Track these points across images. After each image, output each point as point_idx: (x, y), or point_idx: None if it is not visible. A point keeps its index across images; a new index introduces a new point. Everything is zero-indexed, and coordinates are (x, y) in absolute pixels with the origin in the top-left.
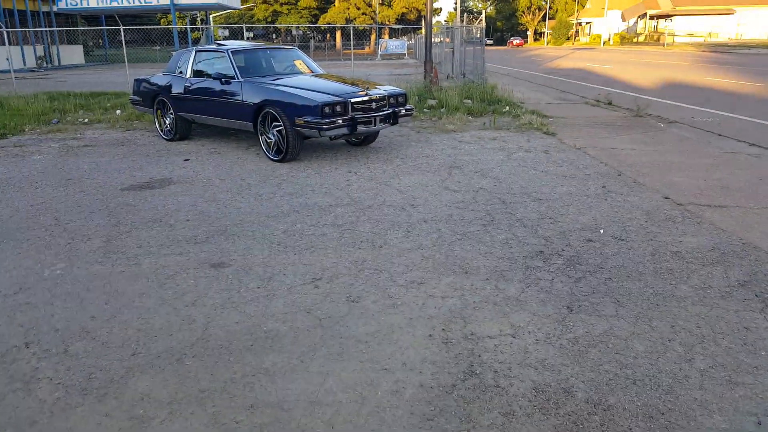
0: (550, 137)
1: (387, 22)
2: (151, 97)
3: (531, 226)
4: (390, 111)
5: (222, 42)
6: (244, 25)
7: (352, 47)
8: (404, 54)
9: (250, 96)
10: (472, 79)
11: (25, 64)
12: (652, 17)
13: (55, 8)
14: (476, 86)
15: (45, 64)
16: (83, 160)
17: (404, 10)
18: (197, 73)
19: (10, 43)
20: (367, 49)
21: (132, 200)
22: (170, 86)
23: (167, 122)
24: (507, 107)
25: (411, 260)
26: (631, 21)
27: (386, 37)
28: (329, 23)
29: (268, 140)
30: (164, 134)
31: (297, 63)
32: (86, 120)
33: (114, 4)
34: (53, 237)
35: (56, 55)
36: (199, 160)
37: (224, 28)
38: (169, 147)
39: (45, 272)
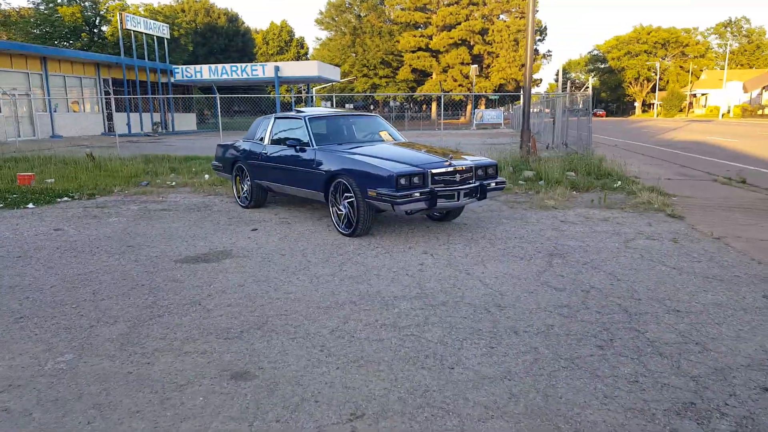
0: (676, 221)
1: (485, 92)
2: (230, 163)
3: (670, 355)
4: (477, 184)
5: (301, 108)
6: (333, 95)
7: (442, 115)
8: (500, 124)
9: (323, 164)
10: (575, 150)
11: (142, 129)
12: None
13: (172, 79)
14: (581, 158)
15: (160, 130)
16: (154, 225)
17: (502, 81)
18: (275, 141)
19: (130, 110)
20: (462, 119)
21: (180, 275)
22: (248, 153)
23: (244, 189)
24: (619, 182)
25: (493, 398)
26: (755, 92)
27: (483, 107)
28: (425, 94)
29: (339, 212)
30: (240, 201)
31: (378, 131)
32: (174, 183)
33: (224, 76)
34: (80, 316)
35: (171, 122)
36: (266, 231)
37: (325, 98)
38: (242, 215)
39: (48, 364)
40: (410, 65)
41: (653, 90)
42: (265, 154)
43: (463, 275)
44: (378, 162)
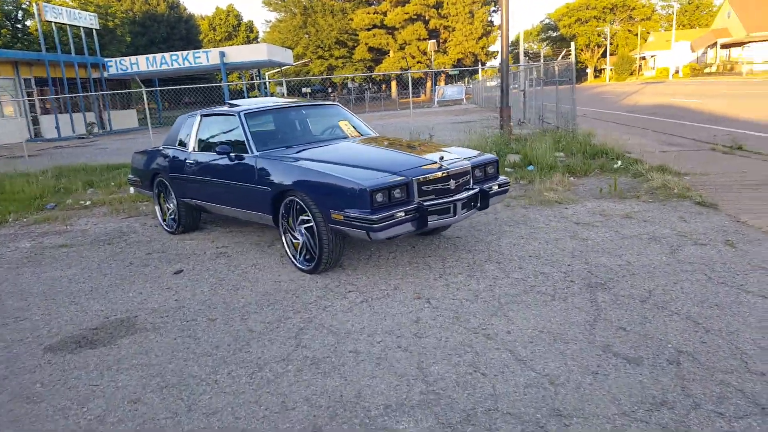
0: (712, 212)
1: (444, 68)
2: (150, 176)
3: None
4: (476, 190)
5: (235, 102)
6: (284, 79)
7: (410, 94)
8: (462, 99)
9: (268, 177)
10: (554, 125)
11: (74, 131)
12: (723, 46)
13: (106, 74)
14: (565, 134)
15: (96, 130)
16: (41, 275)
17: (460, 56)
18: (203, 146)
19: (59, 111)
20: (423, 97)
21: (41, 384)
22: (170, 163)
23: (170, 209)
24: (618, 161)
25: None
26: (700, 52)
27: (442, 83)
28: (384, 72)
29: (294, 240)
30: (166, 225)
31: (339, 123)
32: (88, 202)
33: (164, 66)
34: None
35: (107, 121)
36: (195, 272)
37: (278, 83)
38: (166, 246)
39: None
40: (366, 44)
41: (604, 55)
42: (191, 164)
43: (481, 341)
44: (342, 171)
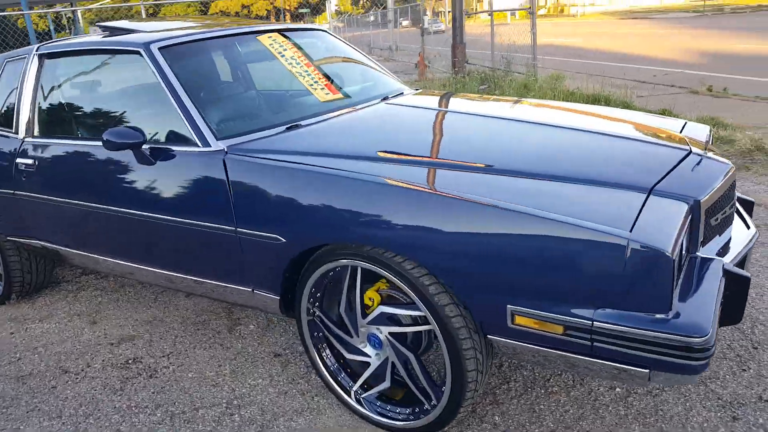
0: None
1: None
2: None
3: None
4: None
5: (120, 25)
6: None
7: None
8: None
9: (263, 207)
10: (487, 67)
11: None
12: None
13: None
14: (528, 78)
15: None
16: None
17: None
18: (53, 122)
19: None
20: None
21: None
22: None
23: None
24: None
25: None
26: None
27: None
28: (222, 11)
29: (351, 356)
30: None
31: (355, 68)
32: None
33: None
34: None
35: None
36: None
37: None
38: None
39: None
40: None
41: None
42: (31, 168)
43: None
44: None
